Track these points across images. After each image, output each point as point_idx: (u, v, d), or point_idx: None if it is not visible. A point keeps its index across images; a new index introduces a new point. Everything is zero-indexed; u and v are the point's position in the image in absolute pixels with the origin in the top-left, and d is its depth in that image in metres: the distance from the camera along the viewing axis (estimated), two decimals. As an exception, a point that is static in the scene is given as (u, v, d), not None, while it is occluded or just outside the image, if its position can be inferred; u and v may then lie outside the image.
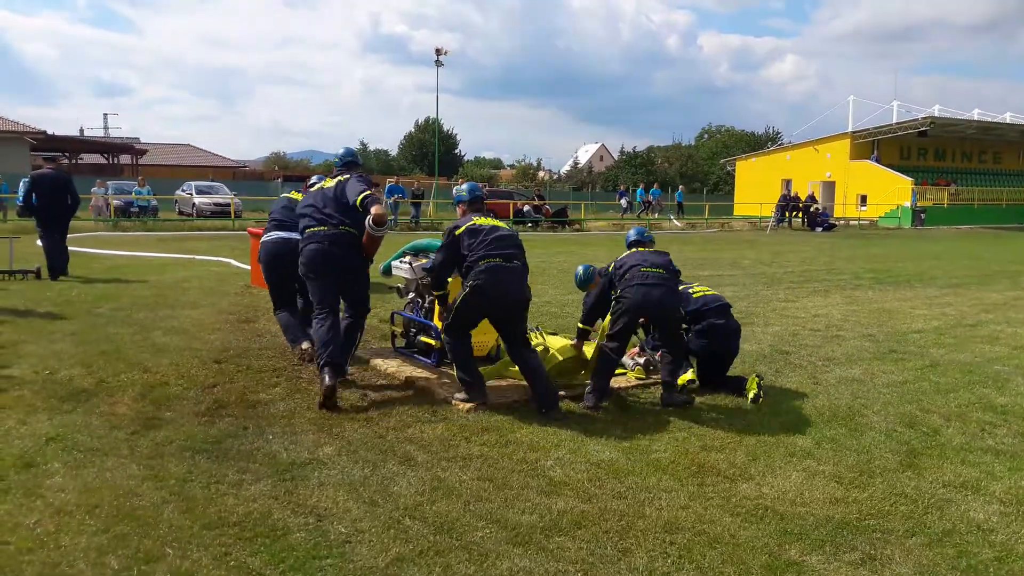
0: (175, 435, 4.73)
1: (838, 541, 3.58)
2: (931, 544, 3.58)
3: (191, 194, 31.26)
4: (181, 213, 31.18)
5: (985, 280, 14.52)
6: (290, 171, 49.99)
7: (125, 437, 4.67)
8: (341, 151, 6.38)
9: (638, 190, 40.79)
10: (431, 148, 57.30)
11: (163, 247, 17.65)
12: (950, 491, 4.21)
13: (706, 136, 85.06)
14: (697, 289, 6.42)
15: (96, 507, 3.69)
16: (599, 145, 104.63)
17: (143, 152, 54.36)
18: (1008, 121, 46.81)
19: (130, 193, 27.92)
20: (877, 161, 43.76)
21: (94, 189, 26.99)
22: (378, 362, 6.62)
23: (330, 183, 5.99)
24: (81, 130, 64.42)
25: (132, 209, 26.96)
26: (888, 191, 40.82)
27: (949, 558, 3.45)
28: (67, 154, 48.73)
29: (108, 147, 53.14)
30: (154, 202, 28.57)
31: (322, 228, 5.71)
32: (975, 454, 4.80)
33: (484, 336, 6.65)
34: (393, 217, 26.95)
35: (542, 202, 32.36)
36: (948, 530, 3.73)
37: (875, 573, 3.30)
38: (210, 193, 31.72)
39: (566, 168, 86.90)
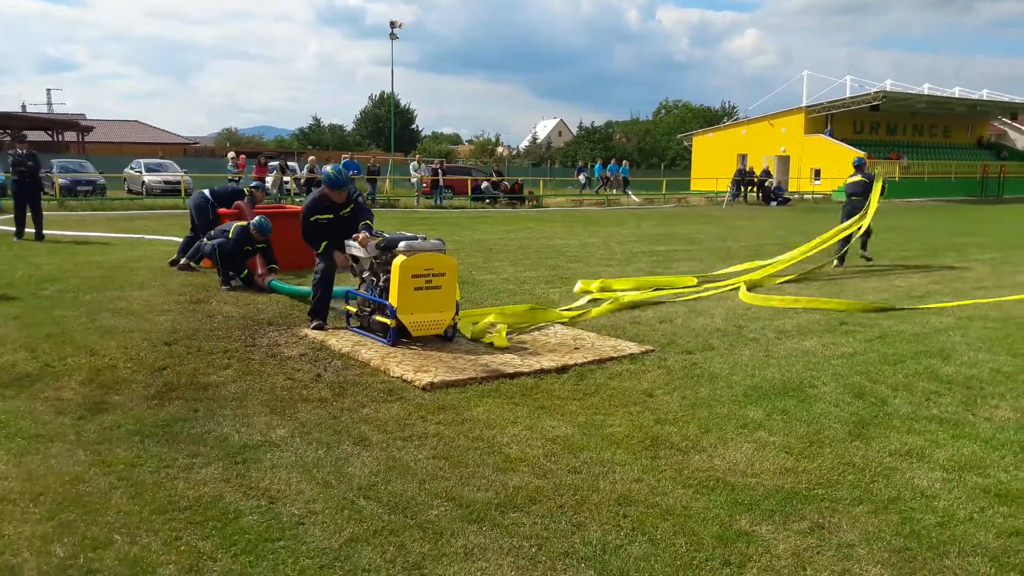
0: (123, 419, 4.63)
1: (787, 511, 3.65)
2: (877, 512, 3.67)
3: (140, 172, 30.53)
4: (130, 191, 30.46)
5: (934, 252, 14.85)
6: (242, 147, 48.94)
7: (71, 422, 4.57)
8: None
9: (596, 166, 40.86)
10: (387, 123, 56.56)
11: (111, 227, 17.21)
12: (896, 459, 4.31)
13: (663, 111, 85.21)
14: None
15: (41, 495, 3.61)
16: (557, 120, 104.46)
17: (89, 129, 52.78)
18: (957, 96, 47.67)
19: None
20: (830, 135, 44.36)
21: None
22: (332, 342, 6.56)
23: None
24: (24, 106, 62.35)
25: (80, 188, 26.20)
26: (841, 165, 41.40)
27: (894, 524, 3.54)
28: (9, 131, 47.20)
29: (52, 124, 51.48)
30: (101, 180, 27.79)
31: None
32: (920, 423, 4.92)
33: (440, 314, 6.61)
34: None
35: (501, 178, 32.25)
36: (893, 497, 3.82)
37: (823, 541, 3.37)
38: (160, 171, 31.00)
39: (525, 143, 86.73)
